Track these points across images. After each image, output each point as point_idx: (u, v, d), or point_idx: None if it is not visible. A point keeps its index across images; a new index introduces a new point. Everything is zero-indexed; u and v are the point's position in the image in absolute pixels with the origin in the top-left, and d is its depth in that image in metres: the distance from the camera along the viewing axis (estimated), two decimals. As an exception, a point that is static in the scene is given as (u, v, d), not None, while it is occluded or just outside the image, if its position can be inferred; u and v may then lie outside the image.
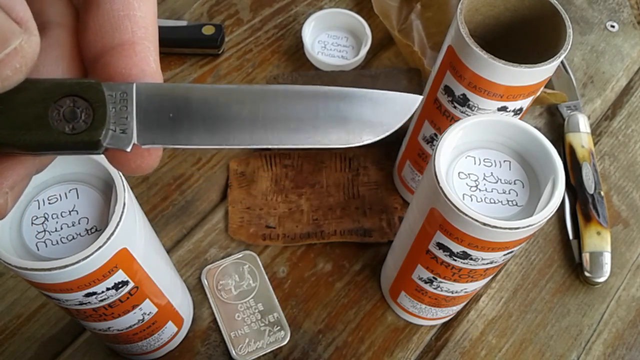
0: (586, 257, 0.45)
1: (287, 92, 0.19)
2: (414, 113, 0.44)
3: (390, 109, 0.20)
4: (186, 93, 0.18)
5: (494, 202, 0.30)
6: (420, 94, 0.41)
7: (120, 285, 0.29)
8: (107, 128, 0.17)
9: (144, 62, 0.18)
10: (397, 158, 0.47)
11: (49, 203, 0.28)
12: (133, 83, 0.18)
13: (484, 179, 0.30)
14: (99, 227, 0.27)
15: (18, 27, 0.15)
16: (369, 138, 0.20)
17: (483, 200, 0.30)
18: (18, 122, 0.17)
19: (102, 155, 0.18)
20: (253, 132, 0.19)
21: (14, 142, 0.17)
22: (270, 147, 0.19)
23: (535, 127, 0.31)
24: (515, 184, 0.30)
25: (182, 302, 0.39)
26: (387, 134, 0.20)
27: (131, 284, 0.29)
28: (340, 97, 0.19)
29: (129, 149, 0.18)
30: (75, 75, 0.19)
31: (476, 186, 0.30)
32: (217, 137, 0.18)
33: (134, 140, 0.18)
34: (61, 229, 0.27)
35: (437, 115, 0.38)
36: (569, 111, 0.52)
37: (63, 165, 0.28)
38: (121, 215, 0.26)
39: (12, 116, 0.17)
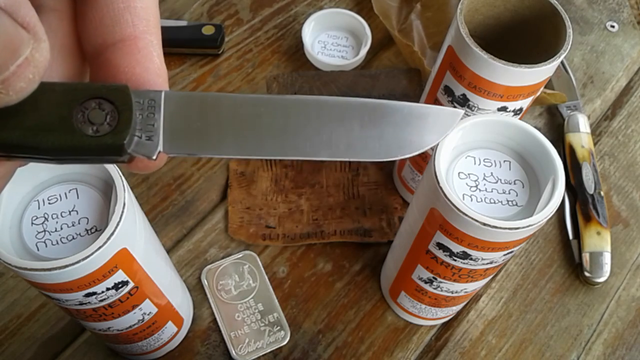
0: (586, 257, 0.45)
1: (320, 103, 0.18)
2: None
3: (429, 125, 0.19)
4: (216, 102, 0.18)
5: (494, 202, 0.30)
6: (420, 94, 0.41)
7: (120, 285, 0.29)
8: (132, 134, 0.17)
9: (147, 59, 0.18)
10: (397, 158, 0.47)
11: (49, 203, 0.28)
12: (162, 91, 0.17)
13: (484, 179, 0.30)
14: (99, 227, 0.27)
15: (26, 33, 0.14)
16: (404, 153, 0.19)
17: (483, 200, 0.30)
18: (41, 123, 0.16)
19: None
20: (283, 144, 0.18)
21: (35, 143, 0.16)
22: (300, 159, 0.18)
23: (535, 127, 0.31)
24: (515, 184, 0.30)
25: (182, 302, 0.39)
26: (424, 149, 0.19)
27: (131, 284, 0.29)
28: (377, 111, 0.18)
29: (154, 157, 0.17)
30: (68, 66, 0.18)
31: (476, 186, 0.30)
32: (245, 147, 0.18)
33: (160, 148, 0.17)
34: (61, 229, 0.27)
35: (437, 115, 0.38)
36: (569, 111, 0.52)
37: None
38: (121, 215, 0.26)
39: (35, 117, 0.16)
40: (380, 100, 0.19)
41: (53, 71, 0.17)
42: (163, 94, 0.17)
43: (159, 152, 0.17)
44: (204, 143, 0.18)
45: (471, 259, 0.31)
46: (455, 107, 0.35)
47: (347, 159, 0.18)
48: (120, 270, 0.28)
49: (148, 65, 0.18)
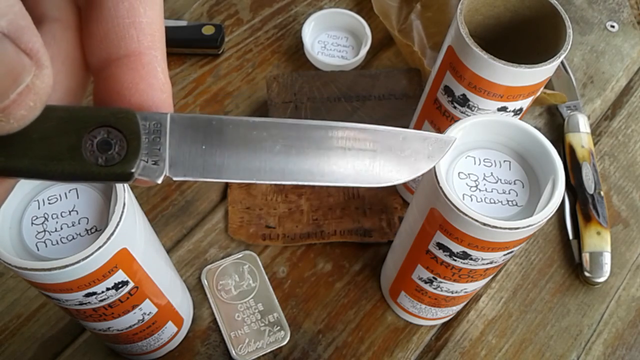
0: (586, 257, 0.45)
1: (320, 129, 0.19)
2: (414, 113, 0.44)
3: (422, 150, 0.20)
4: (220, 125, 0.18)
5: (494, 202, 0.30)
6: (420, 94, 0.41)
7: (120, 286, 0.28)
8: (140, 159, 0.17)
9: (151, 75, 0.18)
10: (397, 158, 0.47)
11: (49, 203, 0.28)
12: (167, 113, 0.18)
13: (484, 179, 0.30)
14: (99, 227, 0.27)
15: (29, 60, 0.14)
16: (400, 178, 0.19)
17: (483, 200, 0.30)
18: (51, 152, 0.16)
19: None
20: (285, 168, 0.18)
21: (45, 171, 0.16)
22: (299, 183, 0.19)
23: (535, 127, 0.31)
24: (515, 184, 0.30)
25: (182, 302, 0.39)
26: (419, 174, 0.20)
27: (131, 284, 0.29)
28: (372, 137, 0.19)
29: (159, 181, 0.17)
30: (71, 77, 0.18)
31: (476, 186, 0.30)
32: (248, 171, 0.18)
33: (166, 172, 0.17)
34: (61, 229, 0.27)
35: (437, 116, 0.38)
36: (569, 111, 0.52)
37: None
38: (121, 215, 0.26)
39: (45, 146, 0.16)
40: (378, 127, 0.19)
41: (56, 83, 0.17)
42: (169, 117, 0.18)
43: (165, 176, 0.17)
44: (207, 168, 0.18)
45: (471, 259, 0.31)
46: (455, 107, 0.35)
47: (343, 185, 0.19)
48: (120, 270, 0.28)
49: (152, 82, 0.18)
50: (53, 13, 0.18)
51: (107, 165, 0.16)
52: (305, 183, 0.19)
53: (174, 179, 0.18)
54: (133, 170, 0.17)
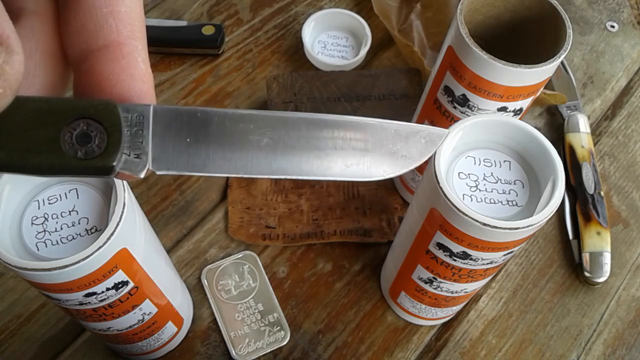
0: (586, 257, 0.45)
1: (308, 121, 0.18)
2: (413, 113, 0.44)
3: (415, 143, 0.19)
4: (205, 118, 0.17)
5: (494, 202, 0.30)
6: (420, 94, 0.41)
7: (120, 286, 0.28)
8: (121, 152, 0.16)
9: (132, 65, 0.17)
10: (397, 158, 0.47)
11: (49, 203, 0.28)
12: (150, 105, 0.17)
13: (484, 179, 0.30)
14: (99, 227, 0.27)
15: None
16: (391, 172, 0.19)
17: (483, 200, 0.30)
18: (28, 145, 0.15)
19: None
20: (272, 162, 0.18)
21: (22, 165, 0.16)
22: (288, 177, 0.18)
23: (535, 127, 0.31)
24: (515, 184, 0.30)
25: (182, 302, 0.39)
26: (411, 168, 0.19)
27: (131, 284, 0.29)
28: (363, 129, 0.18)
29: (142, 175, 0.17)
30: (50, 71, 0.17)
31: (476, 186, 0.30)
32: (234, 165, 0.18)
33: (149, 166, 0.17)
34: (61, 229, 0.27)
35: (437, 116, 0.38)
36: (569, 111, 0.52)
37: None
38: (121, 215, 0.26)
39: (22, 138, 0.15)
40: (367, 119, 0.19)
41: (36, 77, 0.17)
42: (151, 109, 0.17)
43: (148, 169, 0.17)
44: (192, 162, 0.17)
45: (471, 259, 0.31)
46: (455, 107, 0.35)
47: (333, 179, 0.18)
48: (120, 271, 0.28)
49: (133, 72, 0.17)
50: (31, 6, 0.17)
51: (86, 158, 0.16)
52: (295, 177, 0.18)
53: (157, 173, 0.17)
54: (114, 164, 0.16)
